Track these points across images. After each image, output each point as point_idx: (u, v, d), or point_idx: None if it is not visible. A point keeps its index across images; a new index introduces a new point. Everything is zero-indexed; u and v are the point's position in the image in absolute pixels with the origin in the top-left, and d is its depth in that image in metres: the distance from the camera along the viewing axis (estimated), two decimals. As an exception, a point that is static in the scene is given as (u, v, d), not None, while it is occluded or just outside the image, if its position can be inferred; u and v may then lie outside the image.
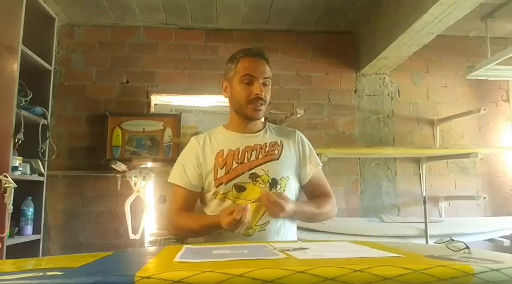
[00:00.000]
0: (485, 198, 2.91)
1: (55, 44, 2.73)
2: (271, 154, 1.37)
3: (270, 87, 1.38)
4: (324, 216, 1.42)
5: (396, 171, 3.20)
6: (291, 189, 1.37)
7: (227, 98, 1.44)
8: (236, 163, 1.34)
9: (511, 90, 3.38)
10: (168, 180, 1.42)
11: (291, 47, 3.26)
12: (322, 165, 1.49)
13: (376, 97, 3.30)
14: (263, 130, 1.44)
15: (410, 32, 2.49)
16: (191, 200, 1.39)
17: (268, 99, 1.38)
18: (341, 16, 3.06)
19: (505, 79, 3.32)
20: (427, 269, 0.63)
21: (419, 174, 3.20)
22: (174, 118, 3.06)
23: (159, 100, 3.19)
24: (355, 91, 3.29)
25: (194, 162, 1.38)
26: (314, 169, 1.44)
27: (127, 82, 3.13)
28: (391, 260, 0.74)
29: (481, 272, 0.64)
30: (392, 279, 0.62)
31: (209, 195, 1.37)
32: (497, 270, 0.65)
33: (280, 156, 1.38)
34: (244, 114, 1.38)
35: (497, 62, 2.70)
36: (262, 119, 1.49)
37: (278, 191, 1.33)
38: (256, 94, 1.33)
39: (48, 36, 2.63)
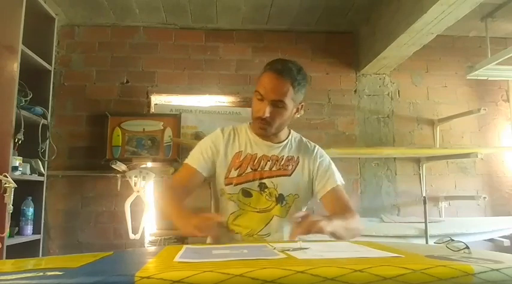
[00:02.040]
0: (485, 198, 2.91)
1: (55, 44, 2.73)
2: (284, 169, 1.37)
3: (286, 109, 1.29)
4: (351, 232, 1.25)
5: (396, 171, 3.20)
6: (299, 206, 1.37)
7: None
8: (250, 168, 1.35)
9: (511, 90, 3.38)
10: (185, 161, 1.40)
11: (291, 47, 3.26)
12: (343, 182, 1.43)
13: (376, 97, 3.30)
14: (284, 142, 1.42)
15: (410, 32, 2.49)
16: (195, 180, 1.36)
17: (278, 121, 1.31)
18: (341, 16, 3.06)
19: (505, 79, 3.32)
20: (427, 269, 0.63)
21: (419, 174, 3.20)
22: (174, 118, 3.06)
23: (159, 100, 3.19)
24: (355, 91, 3.29)
25: (212, 148, 1.37)
26: (329, 186, 1.37)
27: (127, 82, 3.13)
28: (391, 260, 0.74)
29: (481, 272, 0.64)
30: (392, 279, 0.62)
31: (218, 189, 1.37)
32: (497, 270, 0.65)
33: (292, 172, 1.37)
34: (253, 127, 1.38)
35: (497, 62, 2.71)
36: (284, 131, 1.43)
37: (283, 205, 1.31)
38: (259, 114, 1.29)
39: (48, 36, 2.63)
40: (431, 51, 3.17)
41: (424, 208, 2.48)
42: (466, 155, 2.86)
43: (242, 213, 1.33)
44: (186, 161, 1.39)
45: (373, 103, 3.29)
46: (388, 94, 3.31)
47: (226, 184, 1.34)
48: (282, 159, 1.38)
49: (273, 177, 1.34)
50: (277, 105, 1.28)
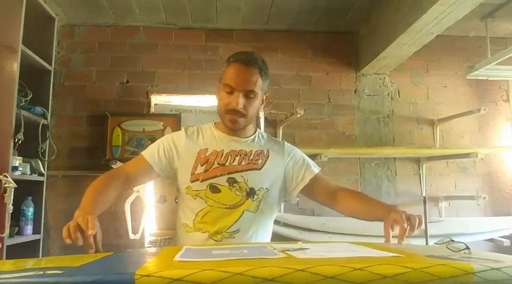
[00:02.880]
0: (485, 198, 2.91)
1: (55, 44, 2.73)
2: (254, 163, 1.33)
3: (255, 99, 1.29)
4: None
5: (396, 171, 3.20)
6: (268, 201, 1.33)
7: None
8: (218, 163, 1.30)
9: (511, 90, 3.38)
10: (141, 153, 1.37)
11: (291, 47, 3.26)
12: (319, 168, 1.42)
13: (376, 97, 3.30)
14: (252, 137, 1.40)
15: (410, 32, 2.49)
16: (143, 173, 1.33)
17: (251, 111, 1.30)
18: (341, 16, 3.06)
19: (505, 79, 3.32)
20: (428, 267, 0.63)
21: (419, 174, 3.20)
22: (174, 118, 3.06)
23: (159, 100, 3.19)
24: (355, 91, 3.29)
25: (171, 146, 1.34)
26: (308, 176, 1.37)
27: (127, 82, 3.13)
28: (391, 260, 0.74)
29: (481, 271, 0.64)
30: (393, 277, 0.62)
31: (182, 189, 1.33)
32: (497, 269, 0.65)
33: (262, 166, 1.34)
34: (222, 122, 1.34)
35: (497, 62, 2.71)
36: (251, 126, 1.41)
37: (254, 200, 1.29)
38: (232, 106, 1.27)
39: (48, 36, 2.63)
40: (431, 51, 3.17)
41: (424, 208, 2.48)
42: (466, 155, 2.86)
43: (210, 210, 1.27)
44: (142, 152, 1.35)
45: (373, 103, 3.29)
46: (388, 94, 3.31)
47: (192, 181, 1.29)
48: (251, 154, 1.35)
49: (242, 171, 1.30)
50: (249, 95, 1.27)
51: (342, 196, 1.35)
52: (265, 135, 1.47)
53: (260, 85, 1.29)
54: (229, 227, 1.26)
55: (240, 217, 1.27)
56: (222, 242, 1.24)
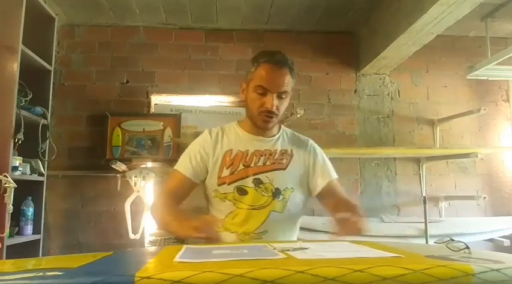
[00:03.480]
0: (485, 198, 2.91)
1: (55, 44, 2.73)
2: (279, 162, 1.34)
3: (287, 99, 1.33)
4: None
5: (396, 171, 3.20)
6: (295, 200, 1.34)
7: (243, 99, 1.39)
8: (243, 165, 1.32)
9: (511, 90, 3.38)
10: (174, 167, 1.38)
11: (291, 47, 3.25)
12: (337, 176, 1.42)
13: (376, 97, 3.30)
14: (276, 136, 1.41)
15: (410, 32, 2.49)
16: (186, 187, 1.34)
17: (282, 111, 1.32)
18: (341, 16, 3.06)
19: (505, 79, 3.32)
20: (427, 269, 0.63)
21: (419, 174, 3.20)
22: (174, 118, 3.06)
23: (159, 100, 3.19)
24: (355, 91, 3.29)
25: (201, 152, 1.35)
26: (325, 180, 1.37)
27: (127, 82, 3.13)
28: (391, 260, 0.74)
29: (481, 272, 0.64)
30: (392, 279, 0.62)
31: (210, 192, 1.35)
32: (497, 270, 0.65)
33: (287, 166, 1.35)
34: (254, 123, 1.35)
35: (497, 62, 2.71)
36: (277, 125, 1.43)
37: (280, 200, 1.30)
38: (267, 108, 1.28)
39: (48, 36, 2.63)
40: (431, 51, 3.16)
41: (424, 208, 2.48)
42: (466, 155, 2.86)
43: (239, 212, 1.29)
44: (176, 167, 1.36)
45: (373, 103, 3.29)
46: (388, 94, 3.31)
47: (219, 184, 1.32)
48: (276, 153, 1.36)
49: (267, 171, 1.31)
50: (281, 96, 1.29)
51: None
52: (289, 132, 1.48)
53: (291, 84, 1.32)
54: (257, 228, 1.28)
55: (267, 218, 1.29)
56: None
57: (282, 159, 1.35)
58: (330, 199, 1.36)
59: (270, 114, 1.29)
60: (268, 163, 1.33)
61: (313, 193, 1.39)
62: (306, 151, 1.41)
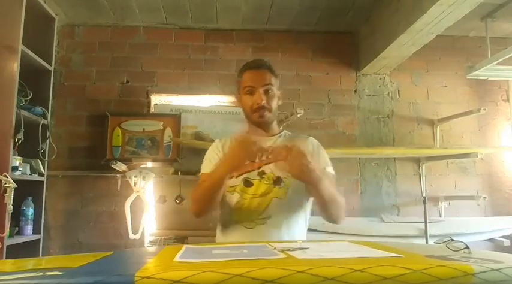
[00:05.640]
0: (485, 197, 2.91)
1: (55, 44, 2.73)
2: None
3: (274, 93, 1.47)
4: (338, 207, 1.37)
5: (396, 171, 3.20)
6: (297, 187, 1.39)
7: (240, 107, 1.55)
8: (248, 160, 1.42)
9: (511, 90, 3.38)
10: (202, 171, 1.51)
11: (291, 47, 3.26)
12: (333, 173, 1.49)
13: (376, 97, 3.30)
14: (278, 135, 1.55)
15: (410, 32, 2.49)
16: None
17: (273, 104, 1.47)
18: (341, 16, 3.06)
19: (505, 79, 3.31)
20: (427, 269, 0.63)
21: (419, 174, 3.20)
22: (174, 118, 3.06)
23: (159, 100, 3.19)
24: (355, 91, 3.29)
25: (218, 155, 1.49)
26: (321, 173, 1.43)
27: (127, 82, 3.13)
28: (391, 260, 0.74)
29: (481, 272, 0.64)
30: (392, 279, 0.62)
31: None
32: (497, 270, 0.65)
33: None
34: (252, 122, 1.51)
35: (497, 62, 2.70)
36: (276, 125, 1.58)
37: (281, 187, 1.40)
38: (257, 103, 1.44)
39: (48, 36, 2.62)
40: (431, 51, 3.16)
41: (424, 208, 2.48)
42: (466, 155, 2.86)
43: (244, 202, 1.40)
44: (203, 171, 1.49)
45: (373, 103, 3.29)
46: (388, 94, 3.31)
47: (229, 179, 1.40)
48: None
49: (270, 163, 1.42)
50: (267, 91, 1.45)
51: None
52: (291, 133, 1.62)
53: (273, 81, 1.48)
54: (260, 214, 1.39)
55: (269, 203, 1.39)
56: (254, 229, 1.37)
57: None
58: None
59: (261, 108, 1.44)
60: (270, 156, 1.43)
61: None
62: (308, 144, 1.53)
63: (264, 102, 1.43)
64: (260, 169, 1.42)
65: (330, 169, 1.49)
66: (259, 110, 1.45)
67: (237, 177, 1.41)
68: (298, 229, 1.44)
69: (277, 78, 1.50)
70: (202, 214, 1.40)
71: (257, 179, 1.42)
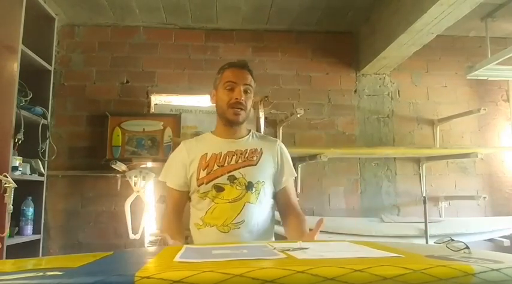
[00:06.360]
0: (485, 197, 2.92)
1: (55, 44, 2.73)
2: (250, 159, 1.48)
3: (251, 95, 1.49)
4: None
5: (396, 171, 3.20)
6: (266, 192, 1.48)
7: (214, 104, 1.54)
8: (217, 165, 1.46)
9: (511, 90, 3.38)
10: (159, 179, 1.58)
11: (291, 47, 3.26)
12: (295, 174, 1.60)
13: (376, 97, 3.30)
14: (246, 137, 1.55)
15: (410, 32, 2.49)
16: (181, 200, 1.52)
17: (248, 105, 1.48)
18: (341, 16, 3.06)
19: (505, 79, 3.32)
20: (427, 269, 0.63)
21: (419, 174, 3.20)
22: (174, 118, 3.06)
23: (159, 100, 3.19)
24: (355, 91, 3.29)
25: (181, 163, 1.50)
26: (289, 179, 1.55)
27: (127, 82, 3.13)
28: (391, 260, 0.74)
29: (481, 272, 0.64)
30: (392, 279, 0.62)
31: (192, 194, 1.50)
32: (497, 270, 0.65)
33: (258, 162, 1.48)
34: (225, 118, 1.48)
35: (497, 62, 2.71)
36: (246, 126, 1.59)
37: (253, 192, 1.44)
38: (236, 98, 1.44)
39: (48, 36, 2.63)
40: (431, 51, 3.17)
41: (424, 208, 2.48)
42: (466, 155, 2.86)
43: (217, 207, 1.43)
44: (168, 184, 1.52)
45: (373, 103, 3.29)
46: (388, 94, 3.31)
47: (199, 185, 1.45)
48: (247, 152, 1.50)
49: (240, 168, 1.45)
50: (247, 90, 1.47)
51: (290, 222, 1.50)
52: (258, 134, 1.63)
53: (253, 84, 1.50)
54: (234, 218, 1.41)
55: (242, 208, 1.42)
56: (229, 233, 1.40)
57: (252, 157, 1.49)
58: (284, 199, 1.54)
59: (239, 105, 1.44)
60: (240, 161, 1.47)
61: (277, 188, 1.54)
62: (275, 149, 1.55)
63: (242, 99, 1.44)
64: (230, 174, 1.43)
65: (294, 173, 1.58)
66: (237, 105, 1.44)
67: (206, 183, 1.43)
68: (269, 231, 1.50)
69: (255, 82, 1.53)
70: None
71: (228, 184, 1.43)
